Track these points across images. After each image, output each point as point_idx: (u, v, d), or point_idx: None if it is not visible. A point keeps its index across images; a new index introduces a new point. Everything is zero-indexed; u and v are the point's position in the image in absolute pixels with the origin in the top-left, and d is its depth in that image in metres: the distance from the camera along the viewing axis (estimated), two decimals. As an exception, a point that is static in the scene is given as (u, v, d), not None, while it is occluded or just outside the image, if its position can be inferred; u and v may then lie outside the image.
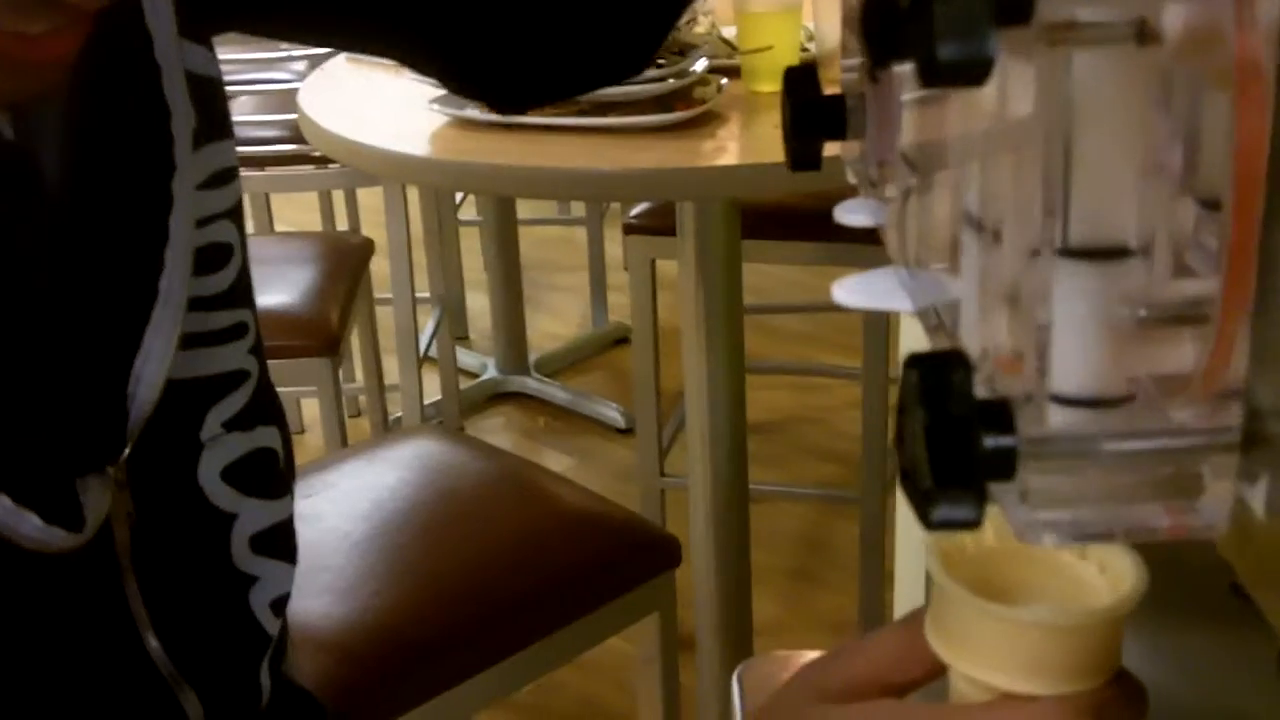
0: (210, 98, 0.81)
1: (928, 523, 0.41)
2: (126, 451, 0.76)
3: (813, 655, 0.64)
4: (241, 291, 0.85)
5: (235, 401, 0.84)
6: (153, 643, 0.78)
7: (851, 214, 0.63)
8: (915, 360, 0.41)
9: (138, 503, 0.77)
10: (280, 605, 0.88)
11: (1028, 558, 0.59)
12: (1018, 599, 0.58)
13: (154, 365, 0.76)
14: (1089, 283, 0.40)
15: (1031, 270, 0.40)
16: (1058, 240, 0.40)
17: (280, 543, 0.88)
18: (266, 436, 0.87)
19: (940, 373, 0.41)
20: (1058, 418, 0.41)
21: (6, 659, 0.72)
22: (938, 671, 0.59)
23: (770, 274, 4.08)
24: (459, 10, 0.91)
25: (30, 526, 0.70)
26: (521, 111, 0.99)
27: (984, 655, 0.56)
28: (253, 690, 0.88)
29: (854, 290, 0.57)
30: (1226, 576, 0.65)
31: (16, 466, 0.70)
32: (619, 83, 0.98)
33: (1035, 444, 0.41)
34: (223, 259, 0.83)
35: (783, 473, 3.38)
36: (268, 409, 0.87)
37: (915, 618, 0.60)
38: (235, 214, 0.84)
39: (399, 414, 3.33)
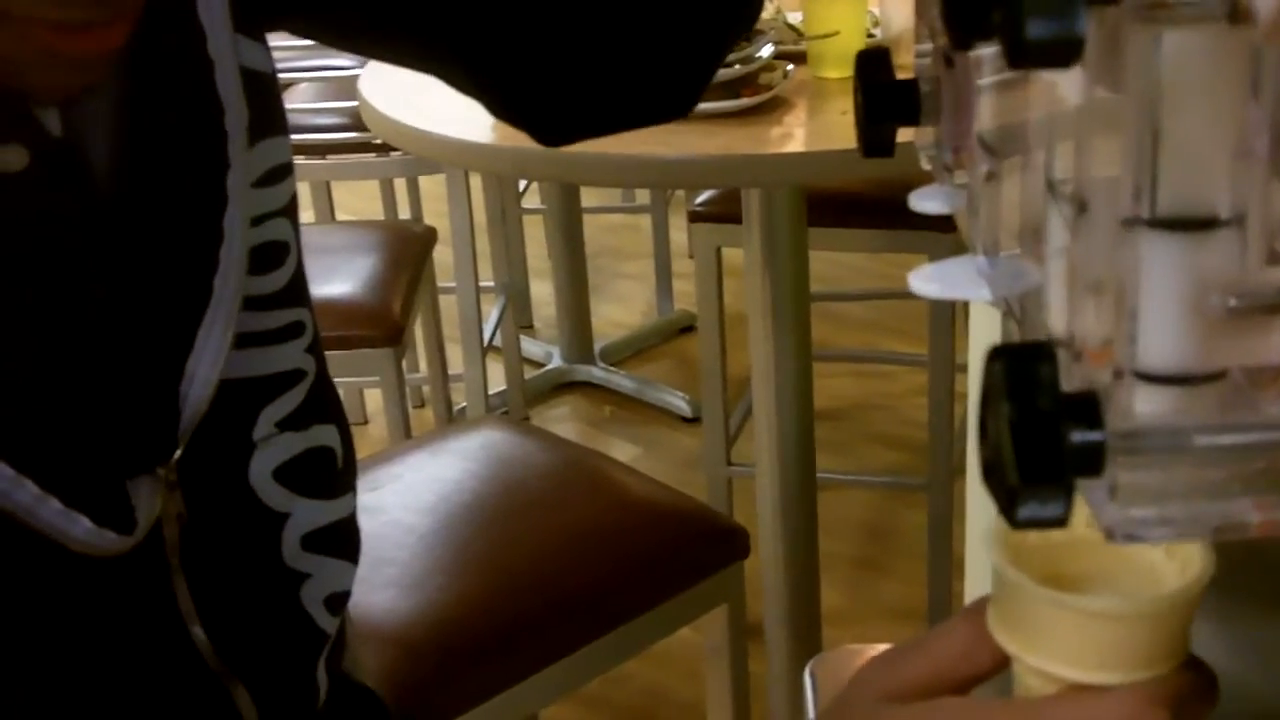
0: (264, 93, 0.80)
1: (1013, 520, 0.40)
2: (178, 453, 0.75)
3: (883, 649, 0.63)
4: (298, 289, 0.84)
5: (290, 400, 0.83)
6: (200, 638, 0.78)
7: (926, 201, 0.62)
8: (1001, 352, 0.40)
9: (187, 502, 0.76)
10: (337, 602, 0.87)
11: (1091, 546, 0.57)
12: (1083, 588, 0.57)
13: (207, 366, 0.75)
14: (1178, 256, 0.39)
15: (1121, 242, 0.39)
16: (1146, 211, 0.38)
17: (337, 541, 0.87)
18: (323, 435, 0.86)
19: (1026, 365, 0.40)
20: (1145, 402, 0.39)
21: (53, 655, 0.71)
22: (1003, 664, 0.58)
23: (834, 261, 4.06)
24: (506, 43, 0.91)
25: (81, 529, 0.69)
26: (563, 144, 0.99)
27: (1051, 646, 0.55)
28: (309, 688, 0.87)
29: (931, 279, 0.56)
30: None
31: (67, 468, 0.70)
32: (663, 123, 0.98)
33: (1124, 438, 0.40)
34: (279, 257, 0.82)
35: (848, 460, 3.36)
36: (325, 407, 0.86)
37: (978, 610, 0.59)
38: (290, 211, 0.83)
39: (463, 404, 3.32)
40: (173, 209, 0.76)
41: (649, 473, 1.99)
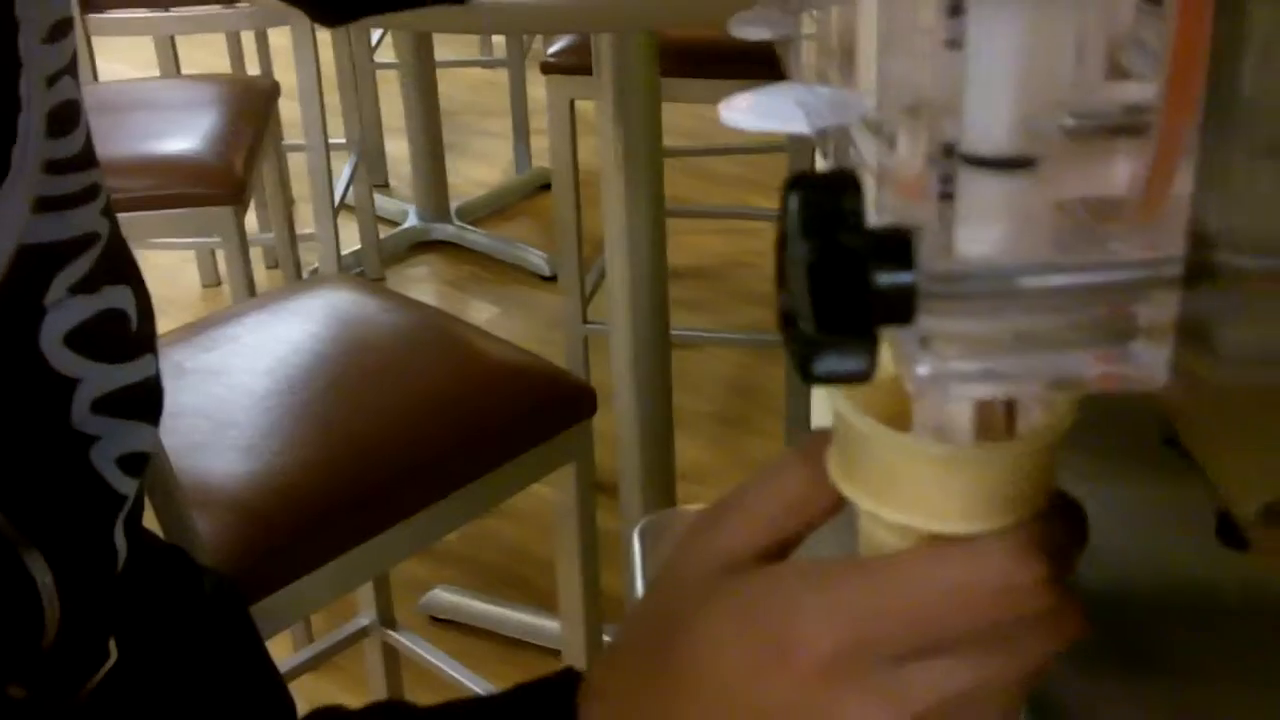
0: None
1: (808, 375, 0.34)
2: None
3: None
4: (91, 150, 0.80)
5: (83, 264, 0.79)
6: None
7: (748, 26, 0.56)
8: (797, 182, 0.35)
9: None
10: (133, 464, 0.83)
11: None
12: None
13: (3, 237, 0.71)
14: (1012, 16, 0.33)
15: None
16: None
17: (130, 404, 0.83)
18: (115, 297, 0.82)
19: (828, 197, 0.34)
20: (968, 240, 0.34)
21: None
22: (837, 508, 0.53)
23: (701, 116, 4.00)
24: None
25: None
26: (342, 23, 0.94)
27: (906, 497, 0.49)
28: (107, 551, 0.82)
29: (743, 110, 0.50)
30: (1162, 428, 0.60)
31: None
32: (445, 4, 0.93)
33: (939, 280, 0.34)
34: (74, 118, 0.78)
35: (714, 318, 3.33)
36: (118, 268, 0.82)
37: (809, 455, 0.53)
38: (74, 69, 0.78)
39: (316, 265, 3.24)
40: None
41: (509, 332, 1.94)
